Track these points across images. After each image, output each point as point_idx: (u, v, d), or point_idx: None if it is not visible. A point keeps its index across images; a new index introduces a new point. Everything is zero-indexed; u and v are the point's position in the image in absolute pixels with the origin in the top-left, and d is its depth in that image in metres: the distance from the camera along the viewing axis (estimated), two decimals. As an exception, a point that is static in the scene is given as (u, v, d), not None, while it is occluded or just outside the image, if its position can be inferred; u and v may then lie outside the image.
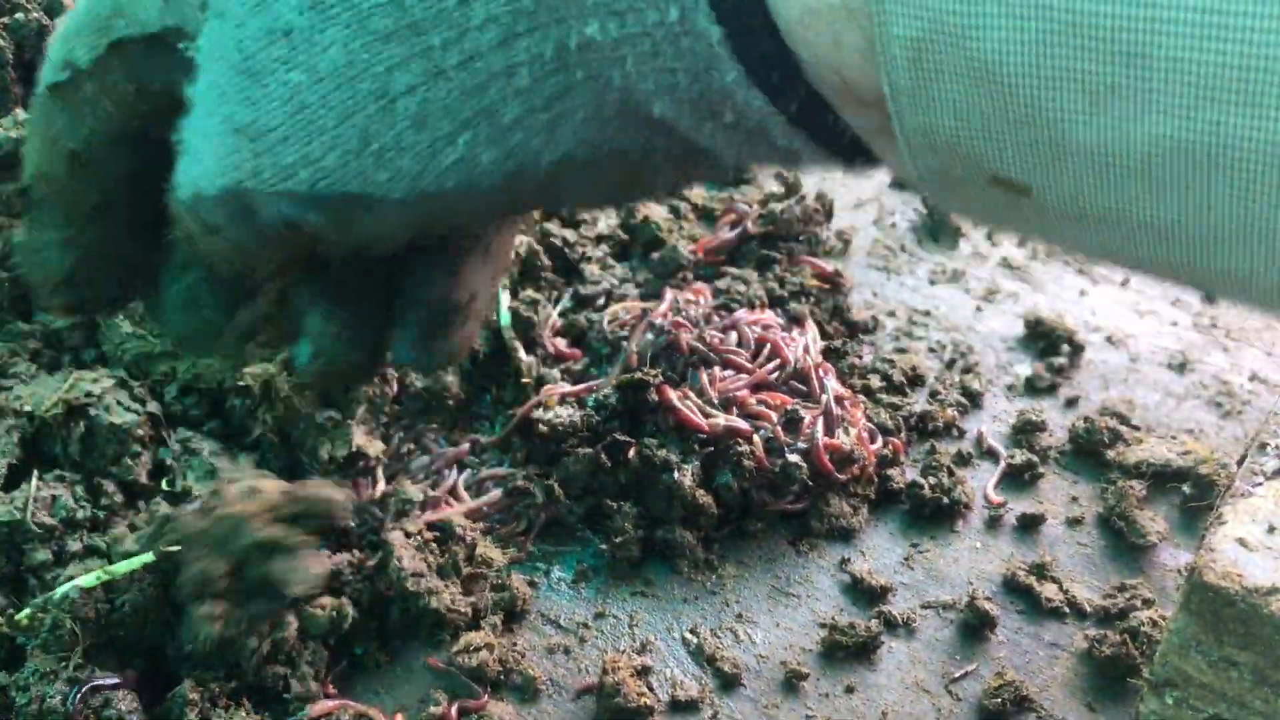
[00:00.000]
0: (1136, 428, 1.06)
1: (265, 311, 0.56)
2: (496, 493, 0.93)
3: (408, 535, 0.85)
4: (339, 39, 0.43)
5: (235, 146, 0.45)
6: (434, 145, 0.44)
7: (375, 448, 0.92)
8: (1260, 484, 0.63)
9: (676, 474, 0.91)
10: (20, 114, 0.93)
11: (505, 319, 1.01)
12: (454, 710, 0.78)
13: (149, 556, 0.73)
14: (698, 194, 1.28)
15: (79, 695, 0.69)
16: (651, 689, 0.81)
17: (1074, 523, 0.97)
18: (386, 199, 0.45)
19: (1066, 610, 0.90)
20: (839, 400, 0.99)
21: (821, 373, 1.01)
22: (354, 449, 0.90)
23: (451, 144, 0.44)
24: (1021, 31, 0.32)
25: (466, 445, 0.97)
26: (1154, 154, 0.32)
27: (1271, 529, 0.60)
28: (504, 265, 0.59)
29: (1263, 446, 0.67)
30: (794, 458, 0.93)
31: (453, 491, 0.93)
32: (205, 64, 0.46)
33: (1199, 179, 0.31)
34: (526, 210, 0.55)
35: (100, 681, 0.71)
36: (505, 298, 1.02)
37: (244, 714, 0.72)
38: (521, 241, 1.07)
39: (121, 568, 0.73)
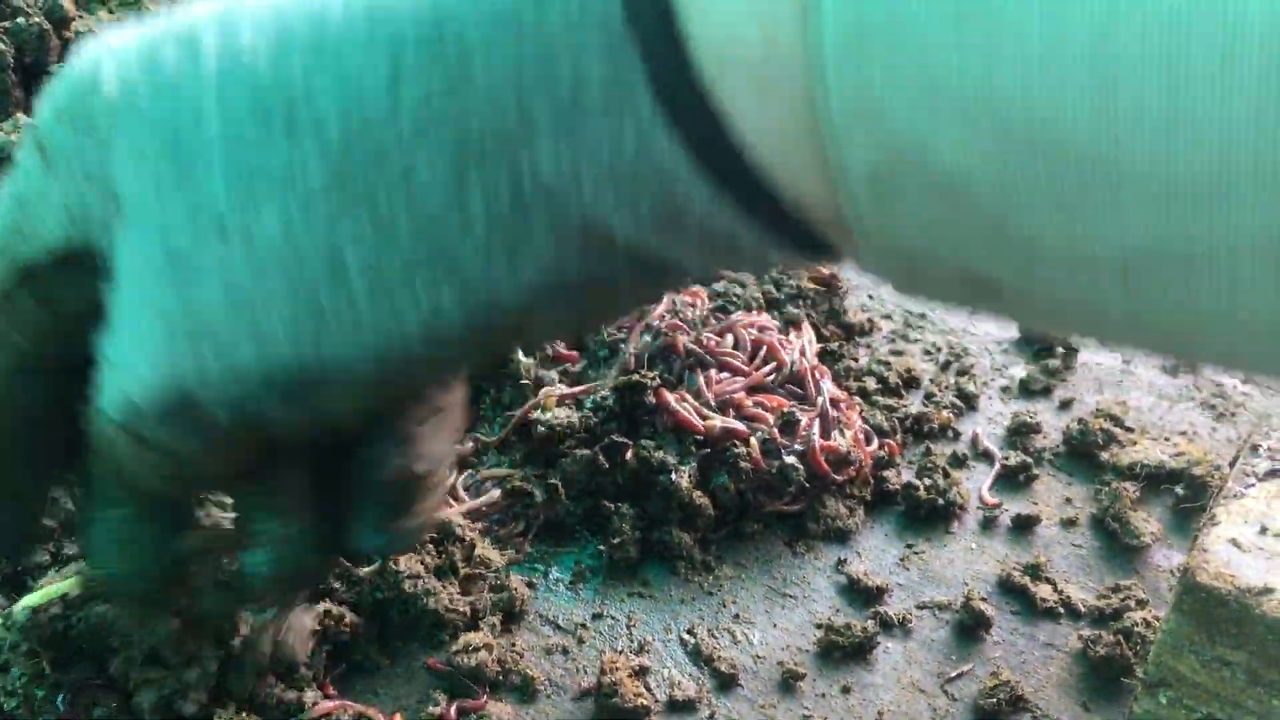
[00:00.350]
0: (1130, 429, 1.06)
1: (204, 538, 0.52)
2: (495, 493, 0.94)
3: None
4: (274, 213, 0.40)
5: (173, 348, 0.41)
6: (394, 306, 0.41)
7: None
8: (1252, 485, 0.64)
9: (674, 475, 0.91)
10: (21, 118, 0.94)
11: (504, 321, 1.01)
12: (453, 710, 0.78)
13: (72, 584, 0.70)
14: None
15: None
16: (649, 689, 0.82)
17: (1068, 524, 0.98)
18: (349, 371, 0.42)
19: (1061, 611, 0.90)
20: (835, 402, 1.00)
21: (817, 375, 1.02)
22: None
23: (414, 302, 0.41)
24: (981, 147, 0.31)
25: (470, 445, 0.97)
26: (1128, 257, 0.31)
27: (1264, 530, 0.61)
28: (456, 424, 0.53)
29: (1255, 448, 0.68)
30: (790, 460, 0.94)
31: (451, 492, 0.94)
32: (126, 267, 0.42)
33: (1178, 277, 0.31)
34: (492, 355, 0.52)
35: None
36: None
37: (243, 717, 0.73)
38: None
39: (57, 590, 0.71)
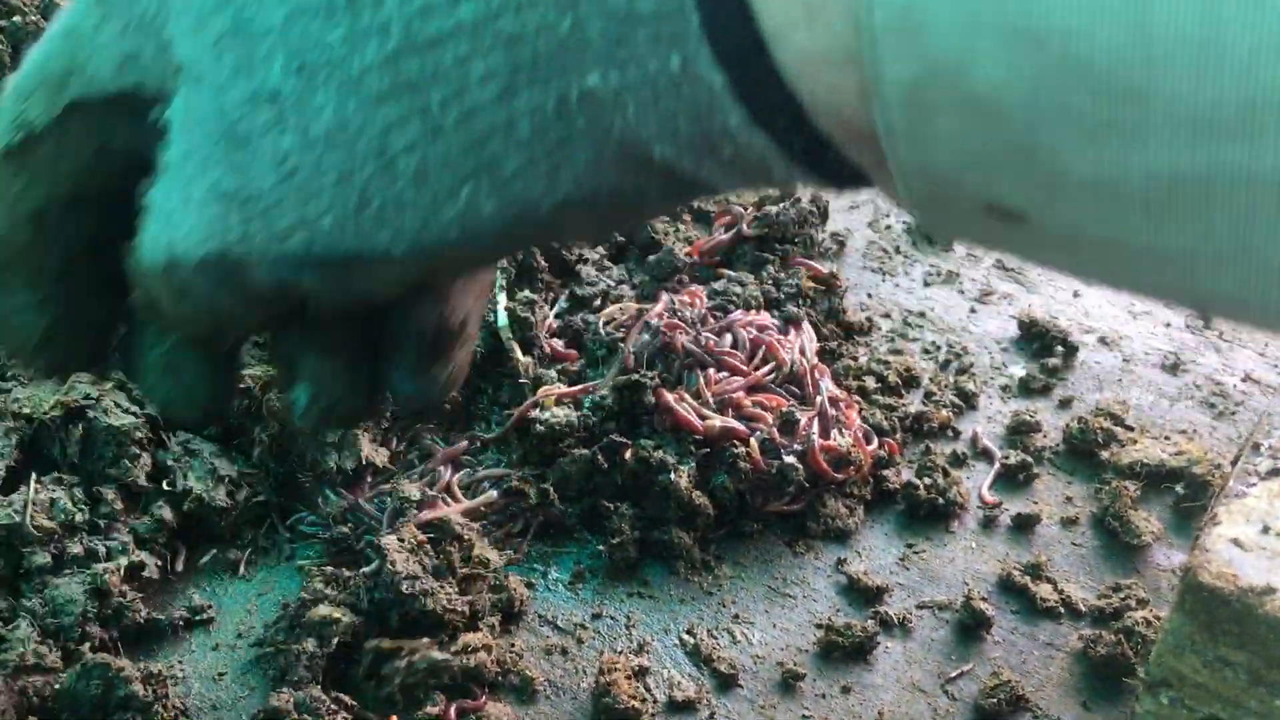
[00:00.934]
0: (1130, 428, 1.06)
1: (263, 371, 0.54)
2: (492, 493, 0.93)
3: (401, 540, 0.85)
4: (331, 101, 0.42)
5: (221, 212, 0.44)
6: (435, 201, 0.43)
7: (381, 456, 0.92)
8: (1254, 484, 0.64)
9: (673, 475, 0.91)
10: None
11: (503, 319, 1.01)
12: (452, 711, 0.78)
13: None
14: (693, 196, 1.28)
15: None
16: (649, 689, 0.82)
17: (1068, 523, 0.98)
18: (387, 256, 0.45)
19: (1061, 610, 0.90)
20: (834, 402, 1.00)
21: (817, 374, 1.02)
22: (363, 460, 0.90)
23: (453, 198, 0.43)
24: (1018, 69, 0.32)
25: (464, 443, 0.97)
26: (1152, 187, 0.32)
27: (1266, 529, 0.61)
28: (488, 284, 0.59)
29: (1256, 447, 0.68)
30: (790, 459, 0.93)
31: (448, 490, 0.93)
32: (181, 129, 0.44)
33: (1197, 210, 0.32)
34: (524, 248, 0.54)
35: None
36: (502, 299, 1.02)
37: None
38: (518, 243, 1.07)
39: None
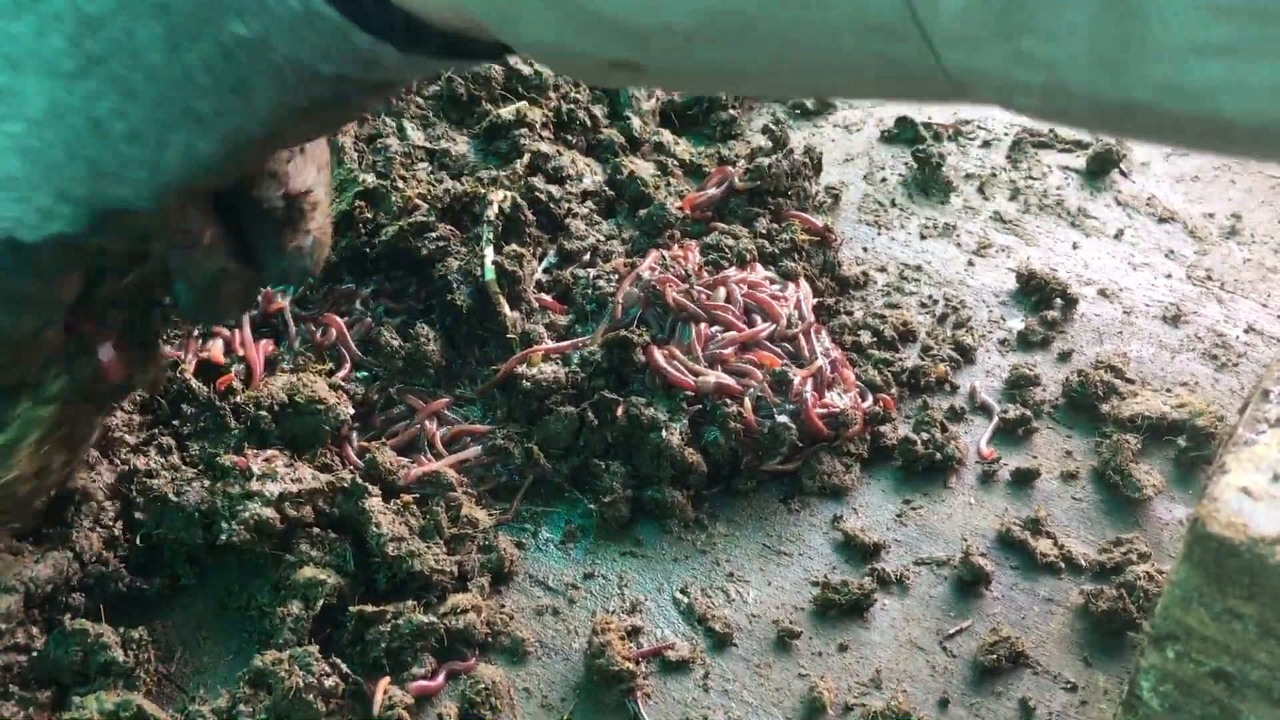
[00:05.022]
0: (1131, 381, 1.04)
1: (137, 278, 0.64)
2: (476, 449, 0.91)
3: (386, 500, 0.83)
4: (39, 85, 0.49)
5: None
6: (155, 152, 0.51)
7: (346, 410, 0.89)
8: (1264, 431, 0.61)
9: (665, 433, 0.89)
10: None
11: (489, 273, 0.98)
12: (442, 673, 0.76)
13: None
14: (684, 149, 1.26)
15: None
16: (642, 649, 0.80)
17: (1068, 477, 0.96)
18: (139, 204, 0.52)
19: (1061, 565, 0.89)
20: (830, 359, 0.98)
21: (814, 331, 0.99)
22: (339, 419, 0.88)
23: (168, 146, 0.51)
24: None
25: (447, 399, 0.95)
26: (700, 23, 0.42)
27: (1276, 477, 0.58)
28: (323, 158, 0.65)
29: (1266, 393, 0.66)
30: (783, 419, 0.91)
31: (431, 445, 0.91)
32: None
33: (719, 32, 0.42)
34: (273, 151, 0.61)
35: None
36: (489, 251, 1.00)
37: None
38: (506, 197, 1.05)
39: None
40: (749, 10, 0.41)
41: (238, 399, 0.88)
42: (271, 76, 0.50)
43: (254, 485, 0.79)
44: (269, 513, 0.78)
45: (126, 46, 0.49)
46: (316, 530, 0.81)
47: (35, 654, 0.73)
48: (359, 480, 0.82)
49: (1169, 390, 1.04)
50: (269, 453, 0.82)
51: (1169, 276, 1.19)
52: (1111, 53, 0.38)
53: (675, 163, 1.23)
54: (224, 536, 0.77)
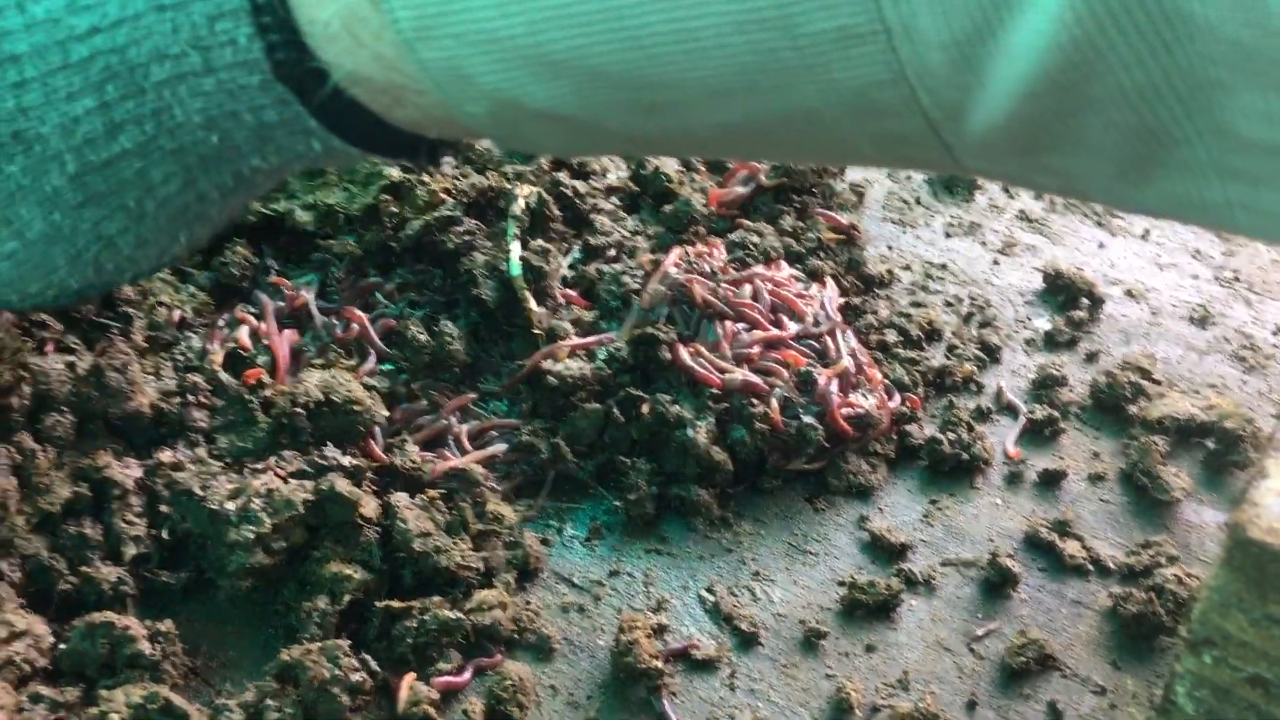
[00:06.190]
0: (1158, 382, 1.03)
1: None
2: (501, 445, 0.91)
3: (412, 495, 0.83)
4: (35, 215, 0.53)
5: None
6: (160, 250, 0.58)
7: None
8: (1305, 436, 0.61)
9: (691, 431, 0.89)
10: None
11: (516, 268, 0.98)
12: (469, 669, 0.76)
13: None
14: (708, 145, 1.25)
15: None
16: (669, 648, 0.80)
17: (1096, 479, 0.96)
18: (135, 278, 0.62)
19: (1090, 567, 0.88)
20: (856, 359, 0.97)
21: (840, 331, 0.99)
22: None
23: (175, 243, 0.58)
24: (566, 92, 0.46)
25: (472, 395, 0.94)
26: (703, 135, 0.48)
27: (1317, 483, 0.58)
28: None
29: (1305, 398, 0.65)
30: (809, 420, 0.91)
31: (457, 441, 0.91)
32: None
33: (734, 137, 0.48)
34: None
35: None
36: (515, 246, 0.99)
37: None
38: (531, 191, 1.04)
39: None
40: (769, 127, 0.44)
41: (267, 393, 0.87)
42: (267, 184, 0.58)
43: (232, 534, 0.76)
44: (259, 559, 0.77)
45: (139, 184, 0.53)
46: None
47: (61, 648, 0.73)
48: (338, 489, 0.80)
49: (1197, 392, 1.03)
50: (260, 480, 0.80)
51: (1196, 277, 1.19)
52: (1135, 170, 0.40)
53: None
54: (222, 595, 0.77)
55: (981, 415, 1.00)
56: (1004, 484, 0.95)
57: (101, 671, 0.72)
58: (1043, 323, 1.11)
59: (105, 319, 0.91)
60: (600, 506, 0.90)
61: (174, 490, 0.80)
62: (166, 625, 0.75)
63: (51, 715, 0.69)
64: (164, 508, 0.80)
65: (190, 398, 0.87)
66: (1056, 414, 1.00)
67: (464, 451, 0.90)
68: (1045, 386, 1.03)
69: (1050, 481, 0.95)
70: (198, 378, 0.88)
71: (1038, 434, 0.99)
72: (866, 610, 0.84)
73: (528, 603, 0.82)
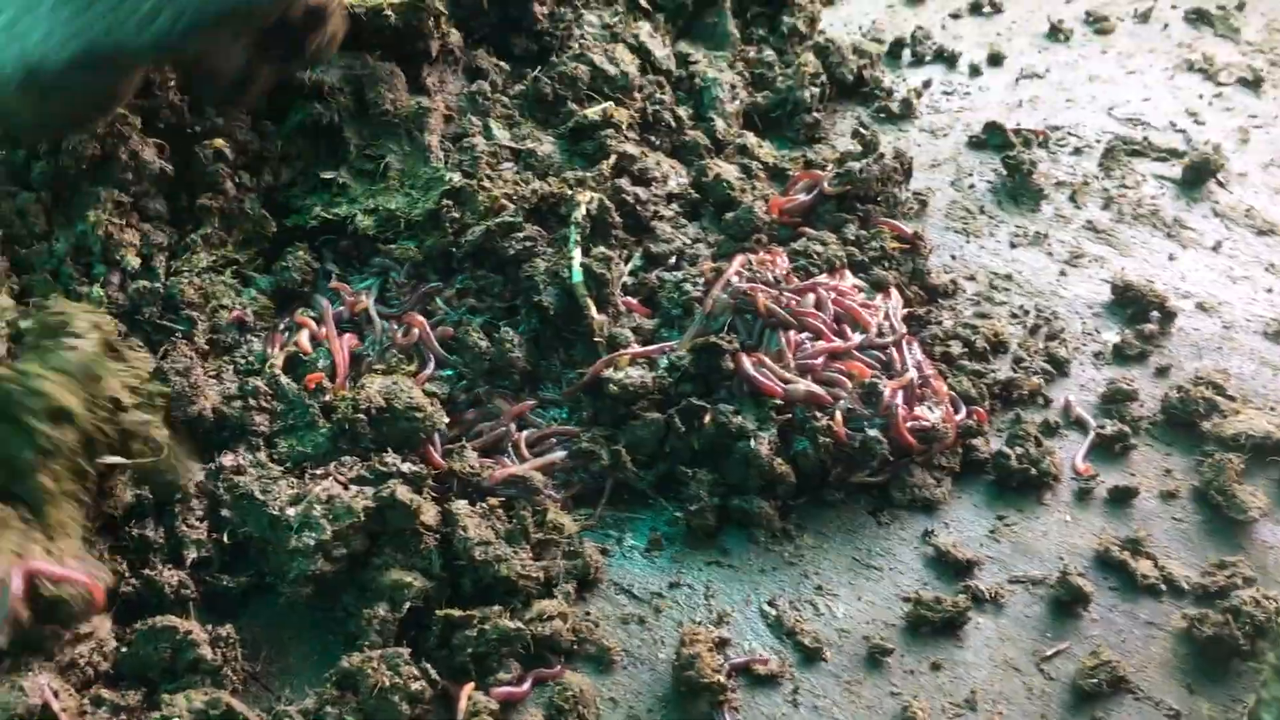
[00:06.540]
0: (1233, 398, 1.01)
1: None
2: (561, 453, 0.90)
3: (472, 504, 0.82)
4: None
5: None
6: (126, 18, 0.74)
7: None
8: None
9: (753, 442, 0.87)
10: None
11: (577, 275, 0.97)
12: (529, 680, 0.75)
13: None
14: (767, 152, 1.24)
15: None
16: (732, 661, 0.78)
17: (1168, 496, 0.93)
18: (120, 57, 0.75)
19: (1163, 588, 0.86)
20: (921, 371, 0.95)
21: (905, 343, 0.97)
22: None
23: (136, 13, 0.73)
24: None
25: (531, 401, 0.93)
26: None
27: None
28: None
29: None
30: (873, 433, 0.89)
31: (516, 448, 0.90)
32: None
33: None
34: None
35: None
36: (577, 254, 0.98)
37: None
38: (593, 198, 1.03)
39: None
40: None
41: (327, 397, 0.87)
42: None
43: (293, 541, 0.77)
44: (320, 565, 0.77)
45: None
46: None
47: (123, 651, 0.73)
48: (398, 496, 0.80)
49: (1273, 408, 1.00)
50: (320, 485, 0.80)
51: (1270, 291, 1.15)
52: None
53: (759, 165, 1.21)
54: (283, 600, 0.78)
55: (1049, 430, 0.98)
56: (1073, 500, 0.93)
57: (163, 675, 0.72)
58: (1111, 336, 1.08)
59: (168, 321, 0.91)
60: (660, 517, 0.89)
61: (235, 494, 0.80)
62: (227, 630, 0.75)
63: (112, 719, 0.69)
64: (225, 512, 0.80)
65: (251, 401, 0.87)
66: (1127, 429, 0.97)
67: (522, 459, 0.90)
68: (1115, 401, 1.01)
69: (1121, 498, 0.93)
70: (259, 381, 0.88)
71: (1108, 449, 0.97)
72: (932, 627, 0.82)
73: (587, 613, 0.81)
